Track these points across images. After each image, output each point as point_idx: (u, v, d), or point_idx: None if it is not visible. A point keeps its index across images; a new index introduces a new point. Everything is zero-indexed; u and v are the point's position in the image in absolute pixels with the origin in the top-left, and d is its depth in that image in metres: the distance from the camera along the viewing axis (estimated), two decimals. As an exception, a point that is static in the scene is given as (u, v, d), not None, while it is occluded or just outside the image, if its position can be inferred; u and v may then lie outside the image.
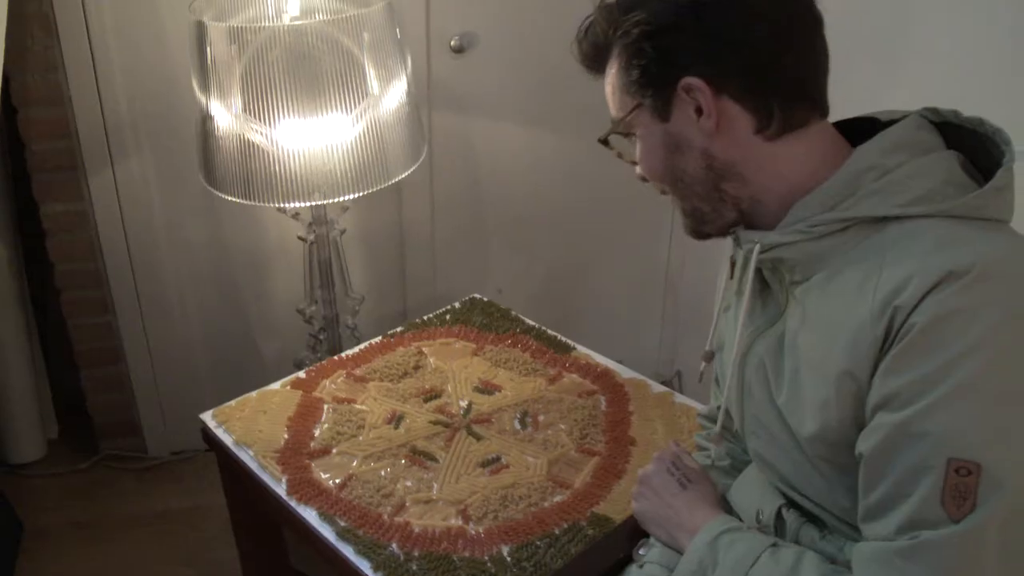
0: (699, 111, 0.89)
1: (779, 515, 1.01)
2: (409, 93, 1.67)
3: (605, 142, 1.01)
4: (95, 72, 1.87)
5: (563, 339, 1.68)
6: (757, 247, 0.91)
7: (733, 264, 1.01)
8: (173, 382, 2.19)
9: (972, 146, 0.89)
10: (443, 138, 2.13)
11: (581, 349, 1.65)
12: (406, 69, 1.66)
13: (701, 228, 0.98)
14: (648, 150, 0.96)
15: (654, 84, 0.91)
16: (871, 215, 0.85)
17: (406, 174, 1.68)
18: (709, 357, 1.08)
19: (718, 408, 1.12)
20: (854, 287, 0.84)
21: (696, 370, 1.15)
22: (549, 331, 1.70)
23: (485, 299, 1.80)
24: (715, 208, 0.95)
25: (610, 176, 2.30)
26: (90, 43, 1.84)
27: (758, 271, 0.95)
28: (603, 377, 1.56)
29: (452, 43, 2.06)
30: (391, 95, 1.62)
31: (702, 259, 2.42)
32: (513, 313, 1.76)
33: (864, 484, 0.82)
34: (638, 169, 1.00)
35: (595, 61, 0.99)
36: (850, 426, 0.85)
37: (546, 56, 2.13)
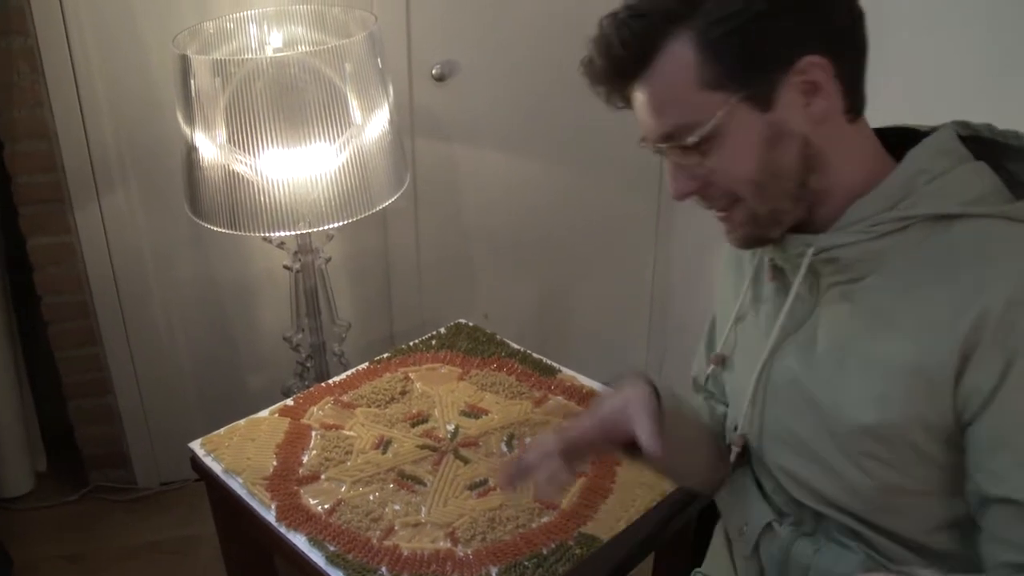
0: (808, 93, 0.86)
1: (767, 529, 1.02)
2: (392, 122, 1.69)
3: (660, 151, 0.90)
4: (80, 106, 1.89)
5: (548, 362, 1.70)
6: (811, 250, 0.92)
7: (773, 270, 1.00)
8: (162, 412, 2.20)
9: (994, 156, 0.92)
10: (427, 165, 2.16)
11: (566, 371, 1.67)
12: (388, 98, 1.68)
13: (769, 233, 0.93)
14: (741, 150, 0.87)
15: (760, 69, 0.84)
16: (935, 213, 0.87)
17: (390, 201, 1.70)
18: (720, 360, 1.08)
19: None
20: (932, 286, 0.86)
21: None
22: (534, 354, 1.72)
23: (470, 324, 1.82)
24: (794, 206, 0.91)
25: (593, 200, 2.33)
26: (75, 78, 1.86)
27: (779, 271, 0.98)
28: (588, 399, 1.58)
29: (433, 71, 2.09)
30: (374, 124, 1.65)
31: (687, 280, 2.45)
32: (498, 337, 1.78)
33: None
34: (680, 184, 0.91)
35: (633, 65, 0.87)
36: (912, 423, 0.87)
37: (527, 82, 2.16)
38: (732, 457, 1.04)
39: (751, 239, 0.94)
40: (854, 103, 0.89)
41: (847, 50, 0.88)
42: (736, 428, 1.04)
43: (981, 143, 0.93)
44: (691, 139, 0.86)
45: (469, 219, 2.27)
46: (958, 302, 0.83)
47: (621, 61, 0.87)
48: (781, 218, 0.91)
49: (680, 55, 0.84)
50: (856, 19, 0.88)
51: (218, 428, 1.51)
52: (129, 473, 2.25)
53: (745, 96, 0.84)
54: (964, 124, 0.94)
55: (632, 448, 1.01)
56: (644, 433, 0.94)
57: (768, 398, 0.99)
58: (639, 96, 0.88)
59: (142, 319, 2.10)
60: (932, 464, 0.89)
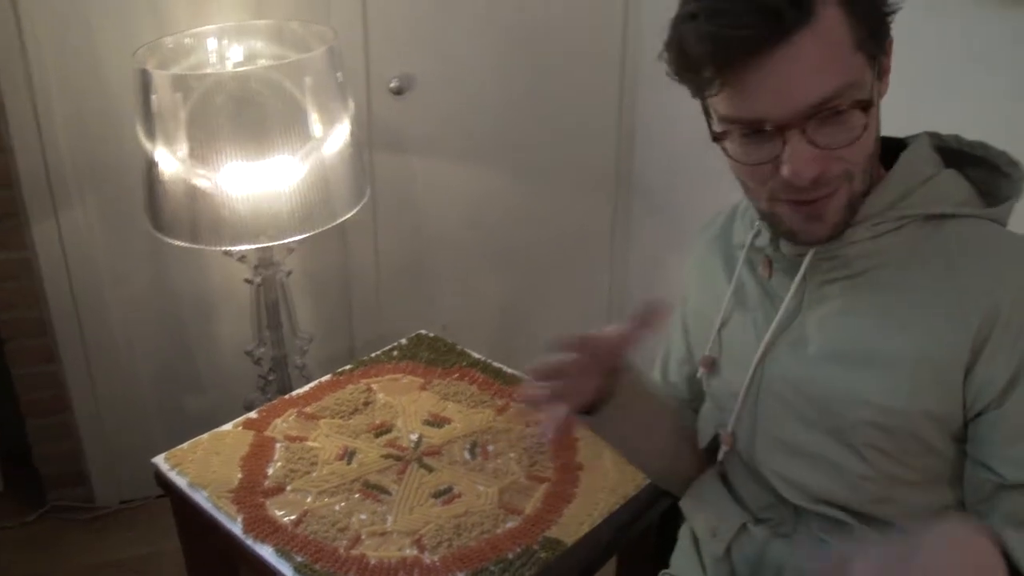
0: (883, 73, 0.89)
1: (742, 530, 1.06)
2: (352, 135, 1.71)
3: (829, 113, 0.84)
4: (37, 121, 1.88)
5: (509, 371, 1.72)
6: (812, 251, 0.95)
7: (770, 264, 1.02)
8: (121, 430, 2.19)
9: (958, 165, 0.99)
10: (385, 178, 2.18)
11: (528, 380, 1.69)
12: (349, 112, 1.70)
13: (850, 217, 0.92)
14: (872, 121, 0.88)
15: (883, 36, 0.87)
16: (932, 212, 0.93)
17: (351, 214, 1.71)
18: (710, 364, 1.10)
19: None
20: (937, 282, 0.91)
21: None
22: (495, 364, 1.74)
23: (431, 335, 1.84)
24: (866, 191, 0.92)
25: (550, 210, 2.37)
26: (32, 92, 1.85)
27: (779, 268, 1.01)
28: (550, 406, 1.60)
29: (391, 85, 2.11)
30: (334, 137, 1.66)
31: (644, 288, 2.49)
32: (459, 348, 1.79)
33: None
34: (809, 164, 0.85)
35: (795, 13, 0.80)
36: (918, 414, 0.92)
37: (484, 95, 2.19)
38: (720, 455, 1.08)
39: (839, 227, 0.92)
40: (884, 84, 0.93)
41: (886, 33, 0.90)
42: (726, 427, 1.07)
43: (945, 152, 0.99)
44: (861, 95, 0.84)
45: (428, 231, 2.29)
46: (965, 297, 0.89)
47: (779, 13, 0.80)
48: (858, 204, 0.91)
49: (834, 11, 0.82)
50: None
51: (180, 444, 1.51)
52: (88, 491, 2.23)
53: (875, 63, 0.87)
54: (935, 134, 1.00)
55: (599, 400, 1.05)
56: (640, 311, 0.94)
57: (761, 399, 1.03)
58: (790, 57, 0.81)
59: (101, 335, 2.08)
60: (933, 454, 0.94)
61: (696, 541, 1.16)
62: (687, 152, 2.22)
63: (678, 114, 2.19)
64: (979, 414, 0.91)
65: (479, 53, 2.15)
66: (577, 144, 2.33)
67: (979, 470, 0.92)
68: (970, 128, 1.01)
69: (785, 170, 0.86)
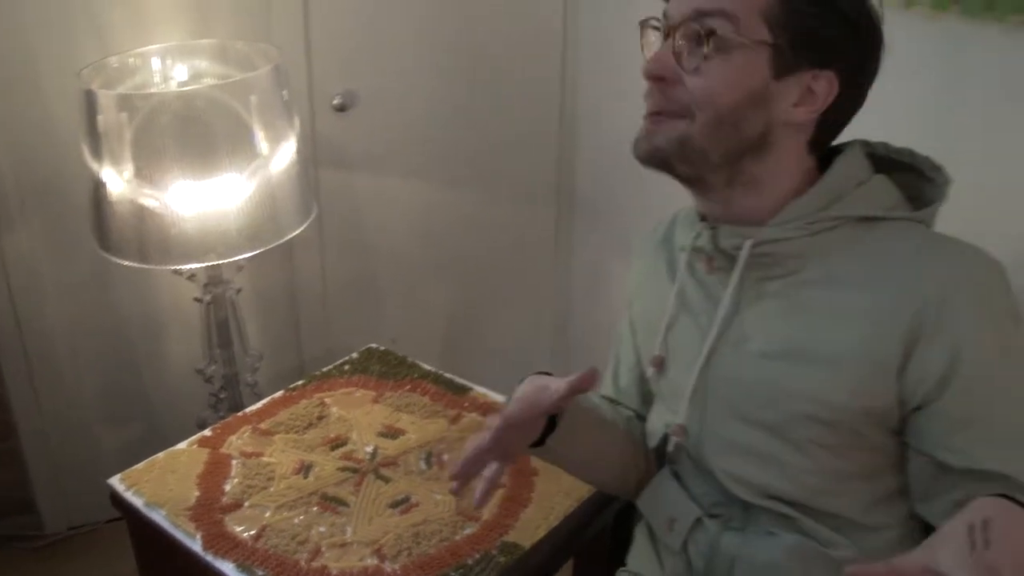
0: (803, 97, 0.96)
1: (696, 524, 1.10)
2: (299, 152, 1.72)
3: (676, 29, 0.94)
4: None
5: (460, 381, 1.74)
6: (748, 243, 0.99)
7: (711, 260, 1.06)
8: (69, 455, 2.16)
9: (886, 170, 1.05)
10: (330, 194, 2.19)
11: (479, 389, 1.72)
12: (294, 129, 1.71)
13: (674, 163, 0.98)
14: (733, 80, 0.94)
15: (802, 46, 0.93)
16: (865, 215, 0.98)
17: (299, 231, 1.73)
18: (659, 363, 1.14)
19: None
20: (871, 281, 0.96)
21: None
22: (446, 375, 1.77)
23: (381, 348, 1.85)
24: (716, 167, 0.97)
25: (493, 222, 2.40)
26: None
27: (719, 264, 1.05)
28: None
29: (334, 102, 2.13)
30: (281, 155, 1.68)
31: (587, 297, 2.53)
32: (409, 360, 1.81)
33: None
34: (662, 64, 0.95)
35: None
36: (858, 409, 0.97)
37: (426, 110, 2.22)
38: (671, 447, 1.13)
39: (657, 154, 0.98)
40: (819, 139, 1.01)
41: (850, 102, 0.99)
42: (672, 430, 1.11)
43: (875, 159, 1.05)
44: (719, 28, 0.92)
45: (374, 246, 2.31)
46: (898, 294, 0.94)
47: None
48: (698, 163, 0.97)
49: None
50: (867, 87, 1.00)
51: (129, 465, 1.49)
52: (36, 519, 2.19)
53: (775, 50, 0.93)
54: (865, 142, 1.06)
55: (546, 433, 1.10)
56: (572, 379, 0.98)
57: (708, 399, 1.07)
58: None
59: (46, 359, 2.06)
60: (872, 448, 0.99)
61: (652, 538, 1.19)
62: (627, 164, 2.28)
63: (617, 127, 2.25)
64: (917, 408, 0.96)
65: (421, 69, 2.18)
66: (519, 157, 2.37)
67: (923, 461, 0.97)
68: (899, 134, 1.07)
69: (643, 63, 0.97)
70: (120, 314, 2.08)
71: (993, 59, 1.45)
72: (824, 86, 0.96)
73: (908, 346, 0.94)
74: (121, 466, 1.51)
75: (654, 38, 1.00)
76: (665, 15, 0.98)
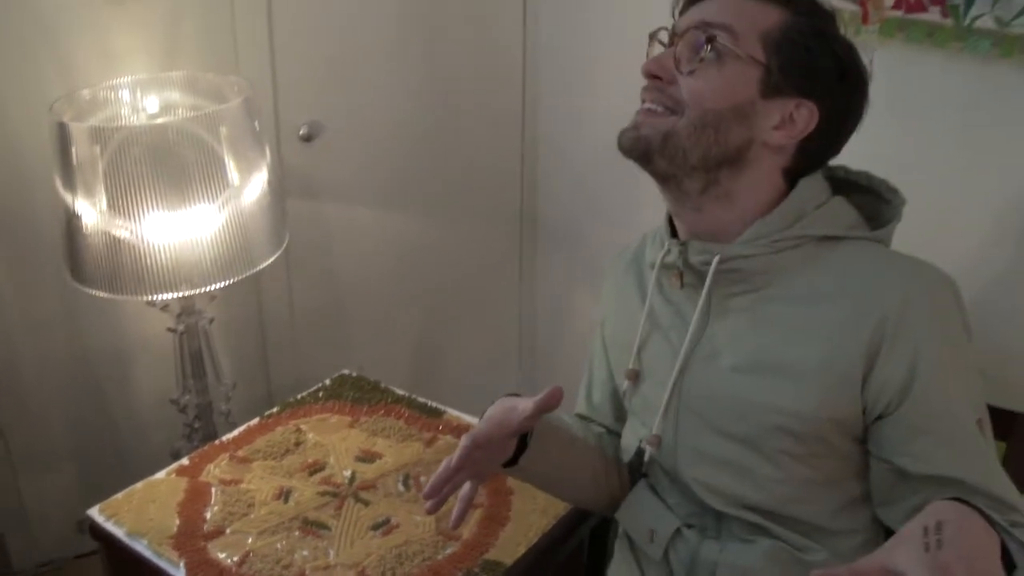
0: (783, 122, 1.02)
1: (676, 534, 1.14)
2: (270, 182, 1.75)
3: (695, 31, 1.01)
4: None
5: (433, 405, 1.77)
6: (716, 258, 1.04)
7: (681, 275, 1.11)
8: (38, 490, 2.13)
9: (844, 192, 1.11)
10: (297, 222, 2.20)
11: (452, 412, 1.75)
12: (266, 160, 1.74)
13: (655, 156, 1.03)
14: (724, 88, 1.00)
15: (791, 73, 1.00)
16: (825, 234, 1.04)
17: (271, 260, 1.75)
18: (634, 376, 1.18)
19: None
20: (834, 296, 1.01)
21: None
22: (419, 399, 1.79)
23: (354, 375, 1.88)
24: (694, 170, 1.03)
25: (459, 249, 2.44)
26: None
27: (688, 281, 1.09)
28: (476, 435, 1.66)
29: (301, 132, 2.16)
30: (252, 186, 1.70)
31: (551, 319, 2.58)
32: (382, 385, 1.84)
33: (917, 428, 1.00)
34: (663, 65, 1.02)
35: None
36: (825, 420, 1.01)
37: (391, 139, 2.26)
38: (647, 456, 1.16)
39: (640, 144, 1.03)
40: (795, 167, 1.06)
41: (827, 139, 1.06)
42: (647, 440, 1.15)
43: (834, 181, 1.11)
44: (719, 37, 0.99)
45: (341, 274, 2.33)
46: (859, 309, 0.99)
47: None
48: (677, 161, 1.02)
49: (773, 8, 1.01)
50: (846, 131, 1.07)
51: (99, 500, 1.49)
52: (3, 556, 2.16)
53: (766, 71, 1.00)
54: (825, 166, 1.12)
55: (518, 453, 1.13)
56: (539, 398, 1.02)
57: (681, 413, 1.11)
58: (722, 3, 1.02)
59: (13, 395, 2.04)
60: (838, 456, 1.04)
61: (633, 549, 1.23)
62: (588, 191, 2.34)
63: (576, 154, 2.32)
64: (879, 416, 1.01)
65: (385, 99, 2.22)
66: (483, 184, 2.42)
67: (884, 467, 1.02)
68: (857, 158, 1.14)
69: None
70: (88, 345, 2.07)
71: (935, 83, 1.53)
72: (805, 115, 1.02)
73: (870, 358, 0.99)
74: (90, 500, 1.50)
75: (658, 49, 1.07)
76: (673, 28, 1.06)
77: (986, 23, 1.40)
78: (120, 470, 2.08)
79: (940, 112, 1.54)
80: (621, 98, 2.09)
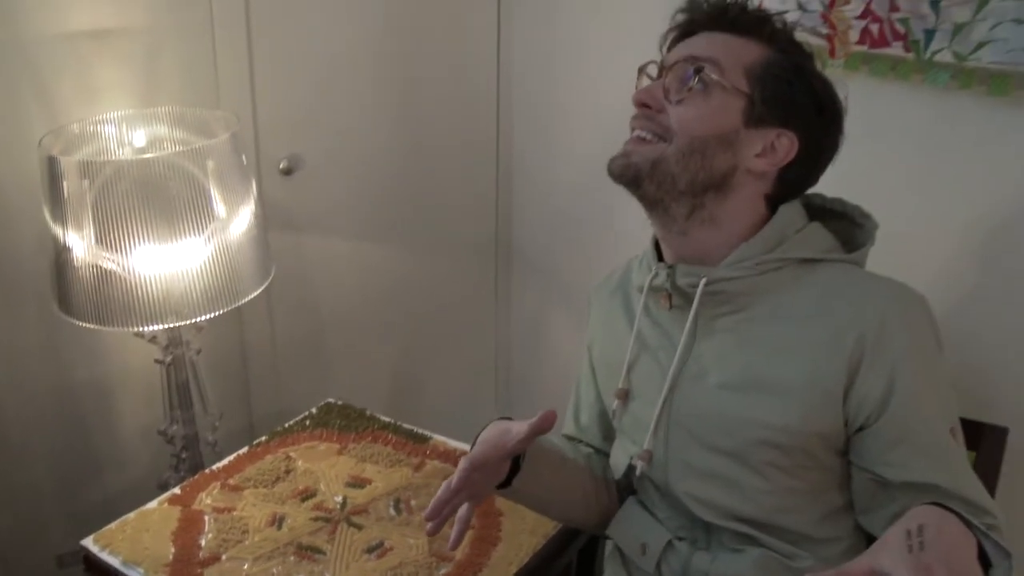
0: (765, 150, 1.08)
1: (668, 546, 1.18)
2: (256, 215, 1.78)
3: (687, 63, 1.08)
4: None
5: (419, 431, 1.80)
6: (703, 281, 1.09)
7: (669, 297, 1.16)
8: (18, 529, 2.12)
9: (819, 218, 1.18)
10: (277, 254, 2.23)
11: (438, 437, 1.78)
12: (252, 193, 1.77)
13: (643, 181, 1.09)
14: (710, 115, 1.07)
15: (773, 104, 1.07)
16: (805, 257, 1.10)
17: (258, 291, 1.78)
18: (624, 395, 1.22)
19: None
20: (815, 316, 1.07)
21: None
22: (405, 425, 1.82)
23: (340, 403, 1.90)
24: (682, 195, 1.09)
25: (437, 278, 2.48)
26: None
27: (677, 302, 1.14)
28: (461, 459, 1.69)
29: (281, 166, 2.19)
30: (240, 218, 1.73)
31: (528, 347, 2.62)
32: (368, 412, 1.87)
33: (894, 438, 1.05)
34: (652, 95, 1.09)
35: (740, 20, 1.10)
36: (809, 433, 1.06)
37: (370, 172, 2.30)
38: (638, 471, 1.20)
39: (630, 170, 1.09)
40: (776, 194, 1.12)
41: (805, 167, 1.13)
42: (639, 455, 1.19)
43: (811, 208, 1.18)
44: (706, 68, 1.07)
45: (321, 305, 2.36)
46: (839, 328, 1.05)
47: (740, 15, 1.10)
48: (666, 186, 1.08)
49: (757, 45, 1.09)
50: (823, 160, 1.14)
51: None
52: (-20, 594, 2.14)
53: (749, 101, 1.07)
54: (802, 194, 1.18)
55: (511, 475, 1.17)
56: (532, 421, 1.06)
57: (671, 429, 1.16)
58: (712, 35, 1.10)
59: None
60: (822, 467, 1.09)
61: (625, 564, 1.27)
62: (562, 222, 2.40)
63: (550, 186, 2.38)
64: (860, 428, 1.07)
65: (364, 132, 2.26)
66: (460, 215, 2.47)
67: (865, 476, 1.08)
68: (830, 183, 1.20)
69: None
70: (70, 377, 2.07)
71: (899, 112, 1.61)
72: (785, 144, 1.09)
73: (850, 374, 1.05)
74: (70, 535, 1.49)
75: (647, 81, 1.13)
76: (662, 62, 1.13)
77: (945, 57, 1.48)
78: (103, 503, 2.08)
79: (905, 139, 1.62)
80: (593, 130, 2.19)
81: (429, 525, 1.16)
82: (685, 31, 1.15)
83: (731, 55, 1.08)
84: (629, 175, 1.10)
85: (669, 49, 1.14)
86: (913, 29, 1.50)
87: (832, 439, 1.08)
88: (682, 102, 1.08)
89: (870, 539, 1.12)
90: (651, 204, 1.12)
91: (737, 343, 1.11)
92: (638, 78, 1.15)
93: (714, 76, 1.07)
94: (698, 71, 1.07)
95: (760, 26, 1.11)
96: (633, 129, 1.12)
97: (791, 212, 1.13)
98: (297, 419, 1.84)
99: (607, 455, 1.34)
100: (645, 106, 1.10)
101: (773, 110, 1.08)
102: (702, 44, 1.10)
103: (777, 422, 1.07)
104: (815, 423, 1.07)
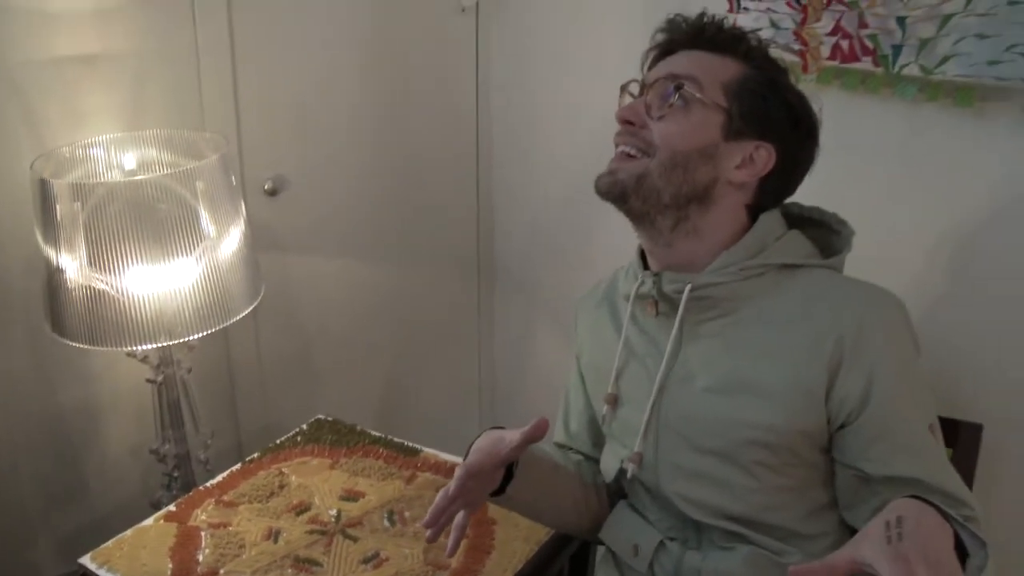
0: (744, 161, 1.13)
1: (660, 547, 1.21)
2: (245, 235, 1.80)
3: (671, 82, 1.12)
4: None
5: (409, 444, 1.83)
6: (688, 287, 1.13)
7: (656, 304, 1.19)
8: (5, 550, 2.11)
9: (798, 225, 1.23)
10: (264, 273, 2.26)
11: (428, 450, 1.81)
12: (241, 214, 1.80)
13: (630, 196, 1.13)
14: (690, 130, 1.11)
15: (750, 118, 1.12)
16: (785, 263, 1.14)
17: (248, 310, 1.80)
18: (613, 400, 1.26)
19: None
20: (796, 319, 1.11)
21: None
22: (396, 439, 1.85)
23: (330, 419, 1.93)
24: (666, 208, 1.13)
25: (422, 295, 2.51)
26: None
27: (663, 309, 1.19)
28: (453, 470, 1.72)
29: (266, 186, 2.22)
30: (230, 238, 1.76)
31: (511, 359, 2.65)
32: (359, 427, 1.89)
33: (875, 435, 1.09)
34: (635, 111, 1.13)
35: (717, 38, 1.15)
36: (794, 432, 1.10)
37: (353, 192, 2.34)
38: (628, 476, 1.23)
39: (616, 187, 1.14)
40: (757, 203, 1.17)
41: (783, 177, 1.18)
42: (629, 458, 1.23)
43: (789, 216, 1.23)
44: (686, 85, 1.11)
45: (306, 322, 2.38)
46: (819, 330, 1.09)
47: (717, 34, 1.15)
48: (651, 201, 1.13)
49: (734, 62, 1.14)
50: (800, 171, 1.20)
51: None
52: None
53: (728, 115, 1.12)
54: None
55: (505, 482, 1.21)
56: (525, 429, 1.10)
57: (660, 432, 1.19)
58: (691, 53, 1.15)
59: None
60: (807, 465, 1.13)
61: (618, 566, 1.30)
62: (543, 235, 2.44)
63: (530, 203, 2.42)
64: (842, 426, 1.11)
65: (347, 152, 2.30)
66: (442, 233, 2.51)
67: (848, 473, 1.12)
68: (807, 193, 1.25)
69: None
70: (58, 399, 2.08)
71: (870, 124, 1.67)
72: (763, 156, 1.14)
73: (832, 373, 1.10)
74: (61, 556, 1.50)
75: (628, 99, 1.18)
76: (643, 80, 1.17)
77: (912, 71, 1.53)
78: (93, 524, 2.09)
79: (876, 150, 1.67)
80: (572, 145, 2.23)
81: (428, 532, 1.19)
82: (665, 50, 1.20)
83: (709, 72, 1.13)
84: (616, 192, 1.14)
85: (650, 68, 1.19)
86: (881, 44, 1.56)
87: (816, 437, 1.12)
88: (664, 118, 1.12)
89: (854, 534, 1.16)
90: (638, 218, 1.16)
91: (722, 347, 1.16)
92: (620, 96, 1.19)
93: (694, 93, 1.12)
94: (678, 88, 1.12)
95: (736, 44, 1.16)
96: (617, 145, 1.16)
97: (771, 220, 1.18)
98: (288, 435, 1.86)
99: (597, 461, 1.38)
100: (628, 123, 1.14)
101: (751, 124, 1.13)
102: (682, 62, 1.15)
103: (763, 422, 1.11)
104: (799, 422, 1.11)
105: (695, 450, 1.17)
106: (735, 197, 1.16)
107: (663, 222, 1.15)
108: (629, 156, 1.14)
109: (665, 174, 1.12)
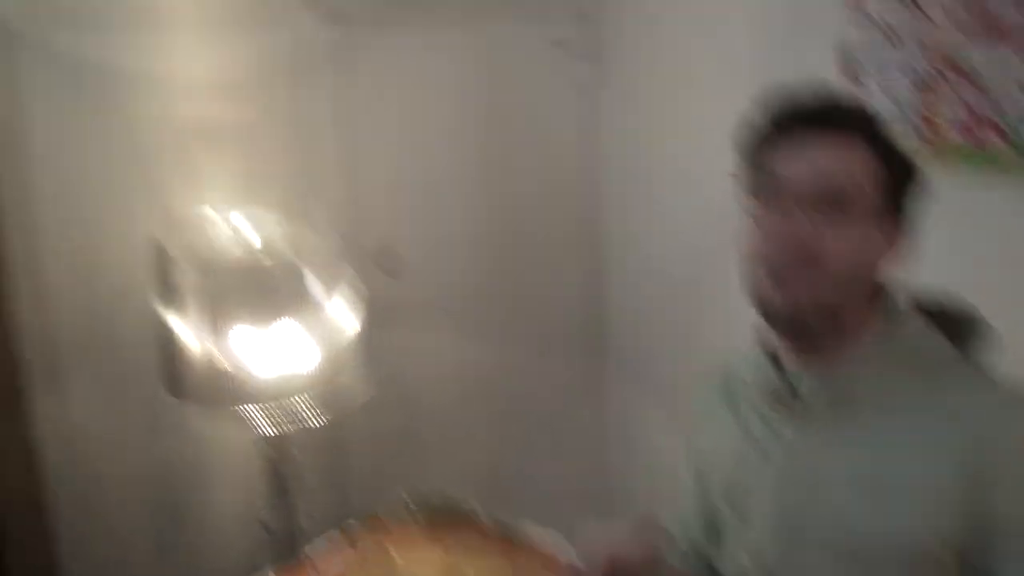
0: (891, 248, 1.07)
1: None
2: (361, 314, 1.84)
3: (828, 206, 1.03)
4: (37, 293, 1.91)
5: (517, 524, 1.76)
6: (822, 386, 1.09)
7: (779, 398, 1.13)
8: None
9: None
10: (375, 349, 2.25)
11: (534, 531, 1.73)
12: (355, 288, 1.83)
13: (810, 323, 1.06)
14: (859, 247, 1.05)
15: (899, 212, 1.08)
16: (922, 357, 1.09)
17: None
18: (733, 496, 1.20)
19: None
20: (930, 416, 1.04)
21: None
22: (501, 518, 1.79)
23: (435, 494, 1.88)
24: (832, 316, 1.07)
25: (531, 374, 2.46)
26: (36, 268, 1.89)
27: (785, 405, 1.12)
28: (555, 557, 1.64)
29: (380, 262, 2.21)
30: (345, 316, 1.80)
31: (624, 442, 2.57)
32: (465, 505, 1.84)
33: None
34: (798, 246, 1.04)
35: (835, 117, 1.06)
36: (927, 535, 1.01)
37: (466, 268, 2.34)
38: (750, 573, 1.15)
39: (800, 319, 1.06)
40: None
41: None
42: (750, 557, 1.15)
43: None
44: (850, 199, 1.03)
45: (415, 398, 2.36)
46: (960, 431, 1.02)
47: (839, 112, 1.07)
48: (831, 318, 1.06)
49: (860, 147, 1.05)
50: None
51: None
52: None
53: (886, 220, 1.06)
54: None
55: None
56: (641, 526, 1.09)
57: (784, 530, 1.12)
58: (826, 145, 1.04)
59: (99, 520, 2.05)
60: (940, 567, 1.02)
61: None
62: (660, 317, 2.37)
63: (649, 282, 2.35)
64: (979, 534, 1.01)
65: (459, 224, 2.31)
66: (554, 307, 2.48)
67: None
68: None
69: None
70: (169, 463, 2.09)
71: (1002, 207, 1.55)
72: (900, 239, 1.09)
73: (971, 480, 1.00)
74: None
75: (763, 210, 1.09)
76: (779, 178, 1.06)
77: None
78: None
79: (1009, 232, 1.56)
80: (689, 216, 2.16)
81: None
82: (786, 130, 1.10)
83: (857, 171, 1.05)
84: (798, 325, 1.08)
85: (770, 149, 1.10)
86: (1011, 120, 1.46)
87: (950, 541, 1.02)
88: (833, 234, 1.04)
89: None
90: (798, 334, 1.10)
91: (851, 441, 1.08)
92: (755, 201, 1.10)
93: (858, 203, 1.05)
94: (842, 202, 1.04)
95: (866, 125, 1.08)
96: (782, 268, 1.06)
97: (897, 306, 1.12)
98: (392, 509, 1.82)
99: (710, 558, 1.29)
100: (803, 259, 1.05)
101: (897, 215, 1.08)
102: (831, 165, 1.05)
103: (893, 524, 1.03)
104: (932, 526, 1.02)
105: (820, 548, 1.09)
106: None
107: (818, 328, 1.09)
108: (800, 280, 1.06)
109: (841, 289, 1.06)
